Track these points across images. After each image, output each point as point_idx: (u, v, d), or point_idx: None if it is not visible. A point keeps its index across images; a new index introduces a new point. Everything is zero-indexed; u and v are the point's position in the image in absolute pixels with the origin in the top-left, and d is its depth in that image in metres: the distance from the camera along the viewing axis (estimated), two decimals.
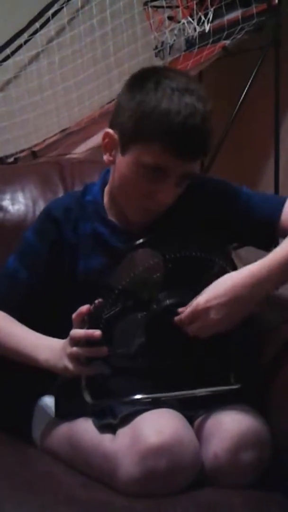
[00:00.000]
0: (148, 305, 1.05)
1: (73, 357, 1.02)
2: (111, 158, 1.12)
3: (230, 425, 1.01)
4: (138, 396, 1.02)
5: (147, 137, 1.03)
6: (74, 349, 1.01)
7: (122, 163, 1.09)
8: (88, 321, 1.01)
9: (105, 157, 1.13)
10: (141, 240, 1.08)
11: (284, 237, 1.08)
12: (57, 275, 1.15)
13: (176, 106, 1.01)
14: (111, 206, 1.17)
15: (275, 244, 1.08)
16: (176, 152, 1.02)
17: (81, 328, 1.01)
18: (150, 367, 1.07)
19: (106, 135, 1.11)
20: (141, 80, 1.07)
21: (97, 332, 0.99)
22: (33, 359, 1.09)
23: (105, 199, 1.18)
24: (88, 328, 1.00)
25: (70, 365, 1.02)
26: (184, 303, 1.03)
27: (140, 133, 1.03)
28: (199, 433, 1.02)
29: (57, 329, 1.08)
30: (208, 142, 1.06)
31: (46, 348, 1.08)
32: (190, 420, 1.03)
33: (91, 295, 1.03)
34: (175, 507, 0.93)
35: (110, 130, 1.10)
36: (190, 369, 1.09)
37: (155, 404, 1.02)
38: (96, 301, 1.01)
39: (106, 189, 1.18)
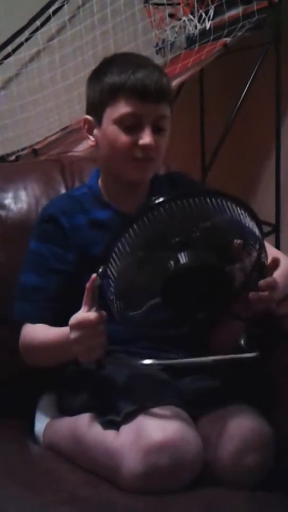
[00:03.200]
0: (166, 264, 1.01)
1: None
2: (93, 139, 1.21)
3: (233, 427, 1.02)
4: (147, 361, 1.00)
5: (112, 97, 1.16)
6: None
7: (101, 134, 1.19)
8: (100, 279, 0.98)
9: (89, 142, 1.23)
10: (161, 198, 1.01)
11: None
12: (73, 267, 1.18)
13: (130, 66, 1.17)
14: (107, 192, 1.24)
15: None
16: (138, 97, 1.14)
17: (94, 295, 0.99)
18: (161, 330, 1.09)
19: (85, 121, 1.23)
20: (99, 66, 1.22)
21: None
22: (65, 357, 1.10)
23: (101, 188, 1.25)
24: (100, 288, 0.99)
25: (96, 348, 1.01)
26: (204, 265, 1.00)
27: (105, 97, 1.17)
28: (202, 433, 1.01)
29: None
30: (164, 83, 1.17)
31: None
32: (194, 420, 1.03)
33: None
34: (178, 504, 0.93)
35: (86, 116, 1.22)
36: (201, 338, 1.10)
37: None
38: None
39: (100, 180, 1.26)
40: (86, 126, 1.23)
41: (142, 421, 0.98)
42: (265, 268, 1.04)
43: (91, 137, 1.22)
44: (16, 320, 1.21)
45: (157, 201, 0.97)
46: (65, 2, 2.72)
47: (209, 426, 1.03)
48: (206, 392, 1.13)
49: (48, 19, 2.71)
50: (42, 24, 2.70)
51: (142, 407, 1.00)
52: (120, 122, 1.15)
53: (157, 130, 1.17)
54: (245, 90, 2.54)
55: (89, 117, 1.22)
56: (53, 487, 0.97)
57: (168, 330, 1.20)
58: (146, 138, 1.14)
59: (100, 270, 0.98)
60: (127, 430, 0.98)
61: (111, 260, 0.98)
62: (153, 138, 1.15)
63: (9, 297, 1.23)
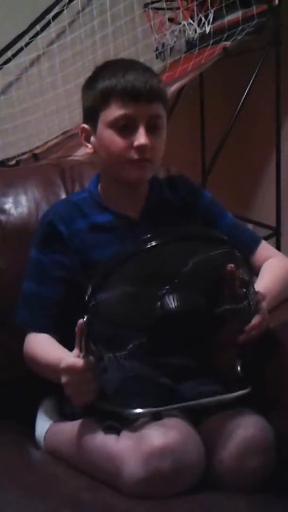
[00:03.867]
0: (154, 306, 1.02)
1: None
2: (91, 146, 1.22)
3: (236, 430, 1.01)
4: (138, 410, 1.00)
5: (104, 101, 1.17)
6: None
7: (98, 139, 1.20)
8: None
9: (87, 150, 1.24)
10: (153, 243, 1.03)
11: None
12: (74, 272, 1.18)
13: (119, 69, 1.18)
14: (107, 196, 1.24)
15: None
16: (130, 98, 1.15)
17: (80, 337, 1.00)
18: (152, 370, 1.07)
19: (82, 130, 1.24)
20: (92, 74, 1.24)
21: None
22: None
23: (101, 193, 1.25)
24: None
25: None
26: (192, 309, 1.01)
27: (98, 102, 1.18)
28: (204, 437, 1.01)
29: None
30: (155, 84, 1.18)
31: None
32: (196, 424, 1.03)
33: None
34: (179, 509, 0.93)
35: (83, 125, 1.23)
36: (193, 374, 1.10)
37: (156, 416, 1.01)
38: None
39: (100, 185, 1.26)
40: (83, 135, 1.23)
41: (143, 425, 0.98)
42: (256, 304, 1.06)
43: (89, 145, 1.23)
44: (18, 326, 1.21)
45: (148, 246, 0.99)
46: (65, 7, 2.73)
47: (211, 429, 1.03)
48: (209, 395, 1.12)
49: (48, 24, 2.72)
50: (42, 29, 2.71)
51: (143, 412, 0.99)
52: (114, 125, 1.16)
53: (152, 130, 1.16)
54: (245, 94, 2.54)
55: (85, 125, 1.23)
56: (54, 492, 0.97)
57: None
58: (140, 138, 1.14)
59: (85, 318, 0.99)
60: (128, 434, 0.98)
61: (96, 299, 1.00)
62: (148, 138, 1.15)
63: (9, 301, 1.23)
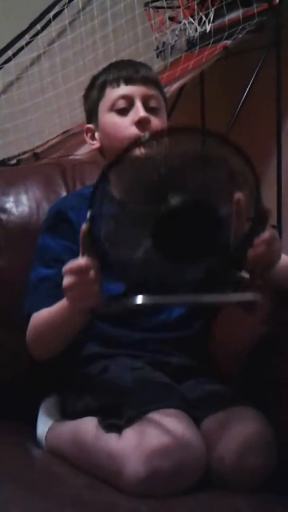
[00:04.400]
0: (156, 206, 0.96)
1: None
2: (95, 142, 1.27)
3: (236, 429, 1.01)
4: (140, 301, 0.94)
5: (101, 92, 1.24)
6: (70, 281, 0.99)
7: (101, 129, 1.25)
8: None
9: (93, 147, 1.27)
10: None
11: None
12: None
13: (113, 64, 1.28)
14: None
15: None
16: (124, 81, 1.22)
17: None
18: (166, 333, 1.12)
19: (86, 130, 1.28)
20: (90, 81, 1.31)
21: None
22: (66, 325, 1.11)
23: None
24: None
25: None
26: (197, 202, 0.94)
27: (96, 96, 1.25)
28: (205, 435, 1.01)
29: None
30: (149, 71, 1.26)
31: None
32: (197, 422, 1.03)
33: None
34: (180, 507, 0.93)
35: (87, 125, 1.28)
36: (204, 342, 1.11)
37: (161, 398, 1.00)
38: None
39: None
40: (89, 135, 1.28)
41: (145, 424, 0.97)
42: (262, 218, 0.99)
43: (94, 141, 1.27)
44: (25, 316, 1.20)
45: (146, 138, 0.96)
46: (65, 6, 2.73)
47: (212, 428, 1.03)
48: (209, 394, 1.13)
49: (48, 23, 2.71)
50: (43, 28, 2.71)
51: (144, 411, 0.99)
52: (113, 107, 1.21)
53: (150, 110, 1.21)
54: (245, 93, 2.54)
55: (89, 125, 1.28)
56: (55, 491, 0.97)
57: (171, 333, 1.20)
58: (140, 112, 1.19)
59: (88, 214, 0.96)
60: (129, 433, 0.98)
61: (99, 201, 0.95)
62: (147, 114, 1.19)
63: (10, 300, 1.23)
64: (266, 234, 1.00)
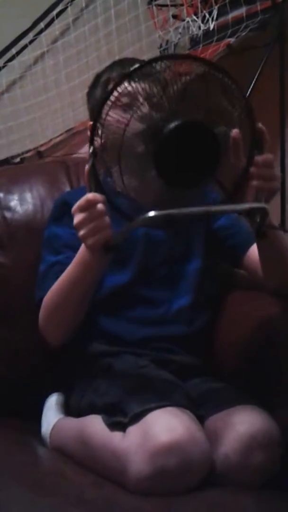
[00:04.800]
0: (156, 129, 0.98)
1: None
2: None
3: (241, 426, 1.01)
4: (151, 213, 0.94)
5: (105, 88, 1.22)
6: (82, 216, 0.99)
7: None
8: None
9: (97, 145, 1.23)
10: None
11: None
12: None
13: (115, 62, 1.27)
14: None
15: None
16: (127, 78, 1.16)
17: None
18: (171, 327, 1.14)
19: (90, 127, 1.22)
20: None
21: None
22: (79, 277, 1.10)
23: None
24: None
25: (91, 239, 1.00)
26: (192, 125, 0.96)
27: (100, 92, 1.24)
28: (210, 433, 1.01)
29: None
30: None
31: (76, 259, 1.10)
32: (201, 420, 1.03)
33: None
34: (185, 506, 0.92)
35: (90, 122, 1.22)
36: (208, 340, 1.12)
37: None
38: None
39: None
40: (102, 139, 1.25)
41: (149, 422, 0.97)
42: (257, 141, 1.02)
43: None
44: (37, 305, 1.20)
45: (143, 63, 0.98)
46: (68, 4, 2.73)
47: (216, 426, 1.03)
48: (213, 392, 1.13)
49: (52, 21, 2.72)
50: (46, 26, 2.71)
51: (149, 408, 0.99)
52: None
53: None
54: (249, 91, 2.53)
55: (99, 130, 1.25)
56: (60, 489, 0.97)
57: (173, 327, 1.20)
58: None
59: (90, 150, 0.97)
60: (134, 431, 0.98)
61: (101, 130, 0.98)
62: None
63: (14, 297, 1.23)
64: (265, 155, 1.03)
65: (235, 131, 0.99)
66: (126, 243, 1.18)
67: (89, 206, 0.98)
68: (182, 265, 1.27)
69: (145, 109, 0.99)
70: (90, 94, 1.30)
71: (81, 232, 1.00)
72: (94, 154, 0.98)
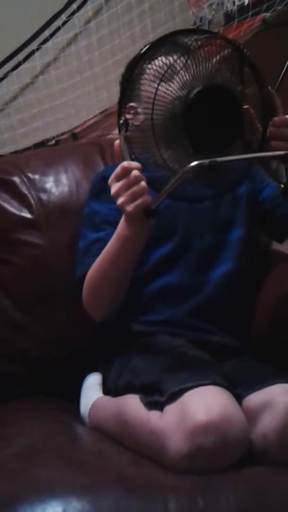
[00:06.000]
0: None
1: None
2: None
3: (279, 405, 1.00)
4: (195, 163, 0.94)
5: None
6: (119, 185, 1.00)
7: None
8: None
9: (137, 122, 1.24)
10: None
11: None
12: None
13: None
14: None
15: None
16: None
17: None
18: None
19: (129, 109, 1.23)
20: None
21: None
22: (121, 252, 1.11)
23: None
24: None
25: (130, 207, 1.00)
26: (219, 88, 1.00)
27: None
28: (247, 412, 1.01)
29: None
30: None
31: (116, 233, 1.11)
32: (239, 400, 1.03)
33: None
34: (224, 484, 0.92)
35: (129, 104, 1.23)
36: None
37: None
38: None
39: None
40: (132, 112, 1.22)
41: (187, 401, 0.97)
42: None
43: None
44: (78, 282, 1.20)
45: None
46: None
47: (254, 405, 1.02)
48: (251, 372, 1.12)
49: (84, 1, 2.70)
50: (79, 7, 2.70)
51: (186, 388, 0.99)
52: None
53: None
54: (285, 67, 2.48)
55: (131, 103, 1.22)
56: (99, 467, 0.97)
57: (217, 299, 1.20)
58: None
59: (121, 121, 0.99)
60: (171, 410, 0.98)
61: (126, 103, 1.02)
62: None
63: (52, 279, 1.24)
64: (281, 116, 1.04)
65: (246, 106, 1.01)
66: (168, 215, 1.19)
67: (125, 173, 0.99)
68: (226, 233, 1.26)
69: (176, 79, 1.00)
70: (122, 79, 1.26)
71: (120, 200, 1.00)
72: (125, 125, 0.99)
